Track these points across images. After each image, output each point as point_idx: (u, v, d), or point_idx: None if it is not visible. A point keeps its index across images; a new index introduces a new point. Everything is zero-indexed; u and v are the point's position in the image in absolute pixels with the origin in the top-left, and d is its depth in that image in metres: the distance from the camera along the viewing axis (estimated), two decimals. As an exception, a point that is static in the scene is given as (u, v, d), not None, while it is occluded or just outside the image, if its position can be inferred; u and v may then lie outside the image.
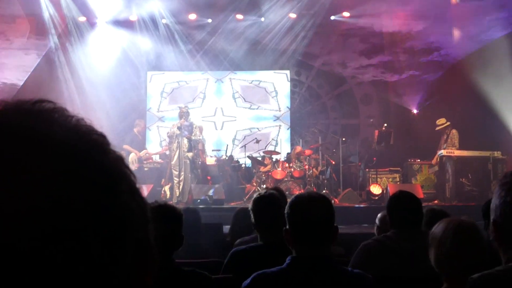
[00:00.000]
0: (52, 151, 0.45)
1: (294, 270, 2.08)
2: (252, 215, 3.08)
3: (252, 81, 13.91)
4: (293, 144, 13.16)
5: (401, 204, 3.04)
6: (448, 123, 10.18)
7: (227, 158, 11.75)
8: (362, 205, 9.89)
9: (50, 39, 12.33)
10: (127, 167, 0.51)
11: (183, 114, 9.94)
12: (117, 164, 0.50)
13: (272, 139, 13.52)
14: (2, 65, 12.17)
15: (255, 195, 3.23)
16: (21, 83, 12.37)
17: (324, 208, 2.13)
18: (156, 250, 0.52)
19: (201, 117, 12.95)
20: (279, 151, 11.63)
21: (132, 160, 10.61)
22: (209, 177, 11.02)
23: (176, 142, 9.77)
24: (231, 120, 13.68)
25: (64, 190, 0.44)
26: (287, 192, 9.69)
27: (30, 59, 12.34)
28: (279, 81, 13.89)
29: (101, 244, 0.45)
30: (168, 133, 10.31)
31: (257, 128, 13.72)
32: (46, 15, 12.05)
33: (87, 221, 0.44)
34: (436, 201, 9.49)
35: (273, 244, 2.87)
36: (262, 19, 12.80)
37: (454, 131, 10.12)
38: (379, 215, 4.49)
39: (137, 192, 0.51)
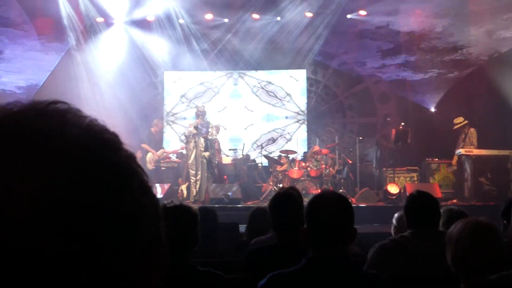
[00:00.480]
0: (64, 150, 0.46)
1: (311, 270, 2.07)
2: (269, 214, 3.09)
3: (268, 82, 13.91)
4: (309, 143, 13.14)
5: (419, 204, 3.01)
6: (466, 121, 10.07)
7: (243, 157, 11.77)
8: (379, 205, 9.82)
9: (68, 40, 12.49)
10: (138, 165, 0.52)
11: (200, 114, 9.98)
12: (128, 162, 0.50)
13: (288, 133, 13.53)
14: (23, 66, 12.34)
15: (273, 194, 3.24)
16: (41, 83, 12.55)
17: (343, 209, 2.13)
18: (166, 248, 0.52)
19: (217, 115, 12.98)
20: (295, 150, 11.62)
21: (149, 160, 10.68)
22: (225, 176, 11.06)
23: (193, 141, 9.81)
24: (250, 115, 13.69)
25: (76, 189, 0.45)
26: (303, 192, 9.69)
27: (50, 59, 12.50)
28: (295, 80, 13.87)
29: (111, 242, 0.45)
30: (185, 132, 10.36)
31: (281, 129, 13.71)
32: (64, 16, 12.20)
33: (98, 219, 0.45)
34: (454, 201, 9.38)
35: (290, 244, 2.87)
36: (278, 18, 12.79)
37: (472, 129, 9.99)
38: (396, 214, 4.46)
39: (148, 190, 0.51)
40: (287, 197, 3.12)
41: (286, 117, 13.77)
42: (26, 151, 0.45)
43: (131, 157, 0.51)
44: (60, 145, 0.46)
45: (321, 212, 2.14)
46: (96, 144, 0.48)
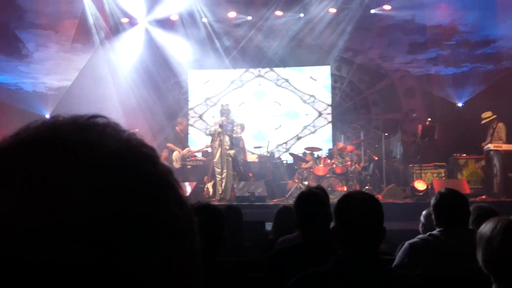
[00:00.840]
0: (103, 163, 0.47)
1: (341, 270, 2.06)
2: (295, 213, 3.08)
3: (291, 79, 13.89)
4: (334, 140, 13.07)
5: (448, 202, 2.97)
6: (494, 116, 9.86)
7: (268, 154, 11.77)
8: (406, 201, 9.70)
9: (94, 41, 12.66)
10: (175, 179, 0.53)
11: (225, 112, 10.01)
12: (165, 175, 0.51)
13: (313, 126, 13.51)
14: (52, 67, 12.57)
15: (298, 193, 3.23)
16: (69, 84, 12.77)
17: (374, 208, 2.12)
18: (201, 260, 0.53)
19: (241, 112, 13.00)
20: (320, 147, 11.57)
21: (175, 158, 10.76)
22: (250, 174, 11.07)
23: (218, 139, 9.84)
24: (274, 112, 13.69)
25: (114, 201, 0.45)
26: (329, 189, 9.65)
27: (77, 61, 12.70)
28: (319, 77, 13.81)
29: (148, 253, 0.46)
30: (210, 131, 10.41)
31: (306, 126, 13.70)
32: (90, 17, 12.39)
33: (137, 230, 0.46)
34: (483, 197, 9.21)
35: (315, 243, 2.86)
36: (302, 14, 12.75)
37: (500, 124, 9.78)
38: (424, 212, 4.42)
39: (184, 204, 0.52)
40: (313, 196, 3.11)
41: (307, 114, 13.73)
42: (67, 163, 0.46)
43: (168, 171, 0.52)
44: (100, 157, 0.47)
45: (351, 211, 2.13)
46: (135, 157, 0.49)
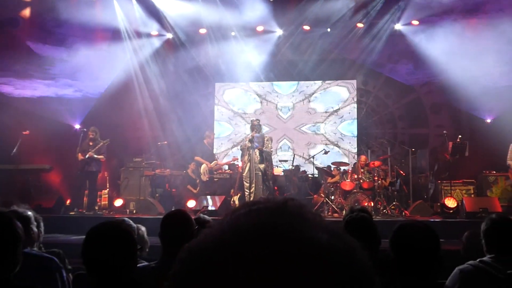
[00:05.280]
0: (325, 256, 0.52)
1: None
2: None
3: (318, 92, 13.92)
4: (359, 155, 13.04)
5: (500, 229, 2.96)
6: None
7: (293, 168, 11.77)
8: (434, 218, 9.59)
9: (126, 52, 12.84)
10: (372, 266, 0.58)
11: (255, 127, 10.06)
12: (369, 263, 0.56)
13: (337, 139, 13.49)
14: (84, 76, 12.77)
15: (347, 216, 3.24)
16: (101, 92, 12.98)
17: (432, 238, 2.14)
18: None
19: (267, 125, 13.05)
20: (347, 162, 11.54)
21: (203, 171, 10.83)
22: (276, 188, 11.08)
23: (247, 154, 9.89)
24: (301, 125, 13.72)
25: None
26: (356, 204, 9.62)
27: (109, 71, 12.90)
28: (346, 91, 13.83)
29: None
30: (240, 145, 10.47)
31: (330, 140, 13.69)
32: (122, 28, 12.58)
33: None
34: (515, 215, 9.08)
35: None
36: (329, 29, 12.78)
37: None
38: (466, 233, 4.38)
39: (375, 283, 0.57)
40: (361, 221, 3.12)
41: (333, 128, 13.72)
42: (285, 250, 0.51)
43: (367, 258, 0.57)
44: (323, 250, 0.52)
45: (409, 242, 2.14)
46: (345, 248, 0.54)
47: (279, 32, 12.98)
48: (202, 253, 0.52)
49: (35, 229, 3.28)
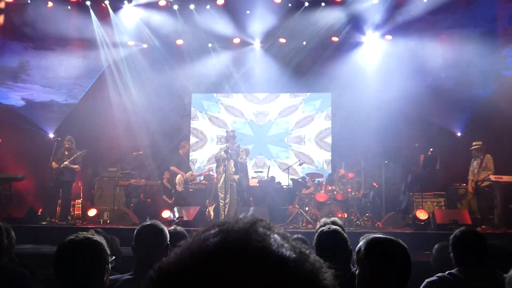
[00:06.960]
0: (292, 275, 0.56)
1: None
2: (316, 251, 3.10)
3: (293, 105, 14.03)
4: (334, 166, 13.15)
5: (468, 242, 3.04)
6: (480, 145, 9.96)
7: (268, 179, 11.83)
8: (406, 230, 9.69)
9: (102, 62, 12.79)
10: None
11: (230, 138, 10.07)
12: (334, 282, 0.61)
13: (311, 152, 13.56)
14: (60, 85, 12.67)
15: (319, 230, 3.28)
16: (76, 101, 12.89)
17: (404, 251, 2.19)
18: None
19: (243, 137, 13.08)
20: (322, 173, 11.64)
21: (178, 182, 10.80)
22: (251, 198, 11.11)
23: (222, 165, 9.90)
24: (275, 138, 13.79)
25: None
26: (329, 215, 9.69)
27: (85, 80, 12.83)
28: (320, 103, 13.96)
29: None
30: (215, 156, 10.47)
31: (304, 153, 13.78)
32: (98, 37, 12.52)
33: None
34: (483, 226, 9.27)
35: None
36: (304, 42, 12.93)
37: (488, 155, 9.87)
38: (436, 246, 4.47)
39: None
40: (333, 234, 3.16)
41: (303, 142, 13.83)
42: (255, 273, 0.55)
43: (331, 276, 0.61)
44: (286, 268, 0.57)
45: (380, 257, 2.18)
46: (311, 268, 0.59)
47: (256, 44, 13.08)
48: (172, 275, 0.54)
49: (5, 240, 3.24)
